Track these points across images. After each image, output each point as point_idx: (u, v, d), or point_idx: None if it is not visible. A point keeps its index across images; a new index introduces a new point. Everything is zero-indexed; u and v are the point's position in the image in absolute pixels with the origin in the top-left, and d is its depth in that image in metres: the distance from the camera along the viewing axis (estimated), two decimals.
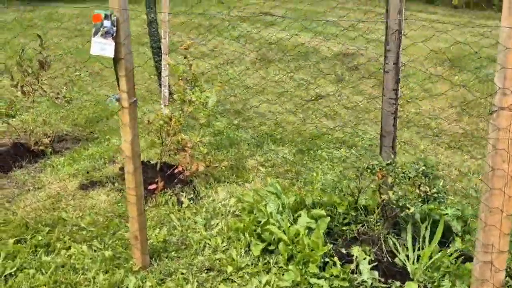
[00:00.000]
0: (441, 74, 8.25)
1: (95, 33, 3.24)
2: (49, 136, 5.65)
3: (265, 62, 8.89)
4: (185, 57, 4.97)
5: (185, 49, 5.00)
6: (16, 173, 5.09)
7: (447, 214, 3.90)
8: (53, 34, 10.79)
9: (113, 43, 3.20)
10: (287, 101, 7.18)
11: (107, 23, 3.20)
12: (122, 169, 5.15)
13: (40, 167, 5.23)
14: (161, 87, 5.98)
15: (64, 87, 5.58)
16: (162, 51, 5.79)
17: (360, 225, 3.95)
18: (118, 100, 3.36)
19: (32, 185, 4.87)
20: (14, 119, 6.35)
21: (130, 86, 3.33)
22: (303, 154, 5.57)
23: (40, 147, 5.44)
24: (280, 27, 11.10)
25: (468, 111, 6.78)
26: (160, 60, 5.88)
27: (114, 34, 3.20)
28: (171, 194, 4.62)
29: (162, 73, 5.77)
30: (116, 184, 4.83)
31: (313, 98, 7.19)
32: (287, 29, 10.84)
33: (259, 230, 3.79)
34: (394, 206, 3.58)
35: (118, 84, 3.34)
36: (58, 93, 5.58)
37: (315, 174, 4.58)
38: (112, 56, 3.24)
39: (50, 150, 5.48)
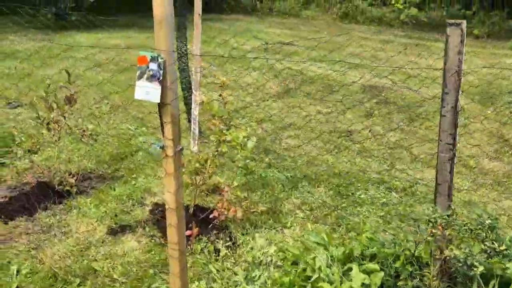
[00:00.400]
0: (471, 109, 8.00)
1: (140, 77, 3.01)
2: (74, 175, 5.40)
3: (290, 94, 8.67)
4: (220, 95, 4.74)
5: (220, 86, 4.77)
6: (41, 215, 4.84)
7: (508, 268, 3.61)
8: (71, 64, 10.63)
9: (160, 87, 2.97)
10: (317, 136, 6.93)
11: (153, 65, 2.97)
12: (152, 212, 4.89)
13: (66, 208, 4.98)
14: (190, 123, 5.73)
15: (91, 125, 5.35)
16: (193, 86, 5.57)
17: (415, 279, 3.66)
18: (162, 148, 3.11)
19: (58, 229, 4.61)
20: (36, 155, 6.14)
21: (176, 133, 3.08)
22: (341, 196, 5.30)
23: (66, 187, 5.19)
24: (303, 58, 10.91)
25: (508, 149, 6.50)
26: (190, 95, 5.65)
27: (161, 78, 2.96)
28: (207, 241, 4.35)
29: (192, 109, 5.53)
30: (147, 229, 4.56)
31: (343, 134, 6.93)
32: (309, 60, 10.64)
33: (309, 286, 3.51)
34: (460, 264, 3.29)
35: (163, 131, 3.10)
36: (84, 131, 5.35)
37: (361, 222, 4.31)
38: (158, 102, 3.00)
39: (75, 190, 5.23)
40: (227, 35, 13.39)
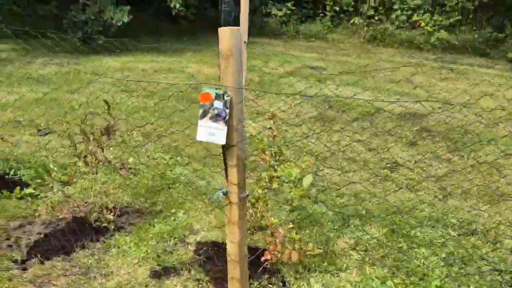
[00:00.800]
0: None
1: (203, 116, 2.73)
2: (110, 210, 5.13)
3: (326, 122, 8.36)
4: (269, 128, 4.46)
5: (269, 118, 4.49)
6: (79, 254, 4.56)
7: None
8: (99, 88, 10.45)
9: (225, 128, 2.69)
10: (360, 168, 6.60)
11: (218, 104, 2.69)
12: (196, 252, 4.59)
13: (104, 247, 4.69)
14: None
15: (131, 158, 5.08)
16: None
17: None
18: (225, 194, 2.83)
19: (98, 270, 4.32)
20: (70, 187, 5.89)
21: (241, 178, 2.80)
22: (396, 234, 4.95)
23: (103, 224, 4.92)
24: (335, 83, 10.63)
25: None
26: None
27: (227, 117, 2.68)
28: (258, 286, 4.03)
29: None
30: (192, 272, 4.26)
31: (388, 165, 6.59)
32: (341, 85, 10.36)
33: None
34: None
35: (226, 175, 2.81)
36: (123, 164, 5.08)
37: (421, 266, 3.97)
38: (223, 143, 2.72)
39: (113, 226, 4.95)
40: (257, 59, 13.18)
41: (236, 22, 5.60)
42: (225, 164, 2.79)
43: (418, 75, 11.93)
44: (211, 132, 2.72)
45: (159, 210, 5.45)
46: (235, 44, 2.64)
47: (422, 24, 15.75)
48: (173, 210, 5.39)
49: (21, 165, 6.50)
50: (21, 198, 5.63)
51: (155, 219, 5.20)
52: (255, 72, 11.69)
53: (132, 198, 5.68)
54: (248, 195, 2.84)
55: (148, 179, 6.13)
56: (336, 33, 17.54)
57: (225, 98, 2.67)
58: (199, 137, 2.75)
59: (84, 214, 5.14)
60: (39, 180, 5.97)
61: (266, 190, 4.24)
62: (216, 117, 2.70)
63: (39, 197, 5.64)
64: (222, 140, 2.70)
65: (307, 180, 4.05)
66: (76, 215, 5.16)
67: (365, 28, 16.88)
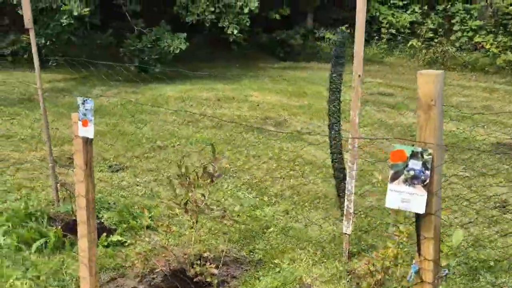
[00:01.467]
0: None
1: (394, 178, 2.24)
2: (209, 261, 4.67)
3: None
4: None
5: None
6: None
7: None
8: (162, 119, 10.12)
9: (425, 194, 2.20)
10: (463, 206, 6.03)
11: (414, 164, 2.21)
12: None
13: None
14: (340, 198, 4.96)
15: (238, 206, 4.64)
16: (348, 158, 4.81)
17: None
18: (417, 272, 2.33)
19: None
20: (156, 232, 5.46)
21: (437, 252, 2.29)
22: None
23: (206, 278, 4.45)
24: (410, 110, 10.10)
25: None
26: (343, 168, 4.88)
27: (427, 181, 2.19)
28: None
29: (346, 183, 4.73)
30: None
31: (498, 205, 6.01)
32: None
33: None
34: None
35: (419, 249, 2.31)
36: (225, 211, 4.63)
37: None
38: (422, 212, 2.23)
39: (216, 281, 4.48)
40: (318, 85, 12.72)
41: (345, 54, 5.15)
42: (418, 235, 2.30)
43: (493, 100, 11.32)
44: (405, 198, 2.23)
45: (259, 259, 4.97)
46: (439, 91, 2.17)
47: (487, 46, 15.12)
48: (276, 260, 4.90)
49: (100, 206, 6.11)
50: (107, 246, 5.22)
51: (259, 271, 4.72)
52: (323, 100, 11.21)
53: (226, 245, 5.21)
54: (447, 274, 2.34)
55: (238, 223, 5.66)
56: (393, 56, 17.02)
57: (425, 157, 2.18)
58: (389, 204, 2.26)
59: (181, 265, 4.69)
60: (125, 225, 5.57)
61: (403, 245, 3.74)
62: (412, 180, 2.21)
63: (126, 244, 5.23)
64: (420, 209, 2.21)
65: (458, 236, 3.51)
66: (172, 267, 4.72)
67: (424, 51, 16.29)
